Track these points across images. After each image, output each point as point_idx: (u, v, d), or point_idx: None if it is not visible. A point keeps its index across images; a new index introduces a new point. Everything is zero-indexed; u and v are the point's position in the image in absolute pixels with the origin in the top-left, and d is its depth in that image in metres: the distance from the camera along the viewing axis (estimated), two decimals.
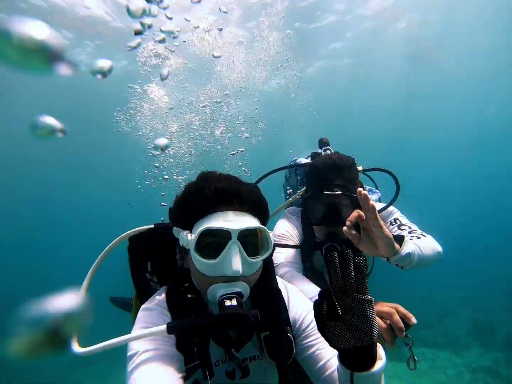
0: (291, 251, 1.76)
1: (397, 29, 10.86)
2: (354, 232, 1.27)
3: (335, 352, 1.00)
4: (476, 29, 10.85)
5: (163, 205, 5.02)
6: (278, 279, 1.24)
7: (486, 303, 8.28)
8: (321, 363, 1.03)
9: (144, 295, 1.23)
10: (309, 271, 1.82)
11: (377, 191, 2.20)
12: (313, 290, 1.47)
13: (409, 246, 1.33)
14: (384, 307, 1.18)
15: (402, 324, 1.11)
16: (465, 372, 5.56)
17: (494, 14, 10.15)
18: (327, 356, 1.03)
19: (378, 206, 1.87)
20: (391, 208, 1.84)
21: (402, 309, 1.16)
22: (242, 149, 6.87)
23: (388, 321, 1.16)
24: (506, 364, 5.60)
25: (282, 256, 1.71)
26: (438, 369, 5.66)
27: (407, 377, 5.24)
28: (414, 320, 1.12)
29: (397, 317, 1.12)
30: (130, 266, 1.26)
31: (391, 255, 1.28)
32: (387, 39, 11.30)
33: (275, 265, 1.58)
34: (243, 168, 7.29)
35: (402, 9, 9.87)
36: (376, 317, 1.15)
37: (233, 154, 6.71)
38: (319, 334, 1.04)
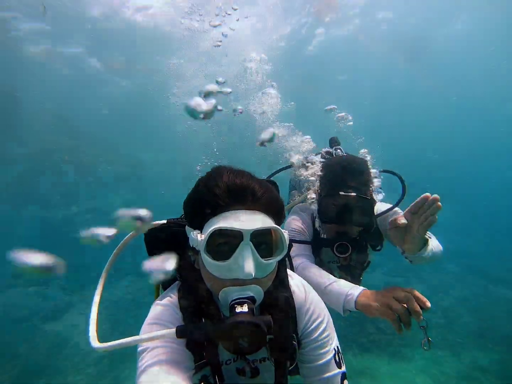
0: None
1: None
2: (405, 221, 1.33)
3: (338, 371, 1.08)
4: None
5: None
6: (297, 279, 1.22)
7: (487, 305, 8.29)
8: (322, 376, 1.07)
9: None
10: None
11: (381, 191, 2.25)
12: (328, 278, 1.54)
13: (429, 247, 1.48)
14: (401, 292, 1.27)
15: (419, 309, 1.18)
16: (464, 372, 5.59)
17: None
18: (328, 372, 1.07)
19: (384, 206, 1.92)
20: (395, 208, 1.90)
21: (417, 294, 1.24)
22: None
23: (405, 305, 1.24)
24: (506, 365, 5.62)
25: (295, 248, 1.79)
26: (437, 368, 5.69)
27: (405, 375, 5.28)
28: (428, 304, 1.19)
29: (414, 302, 1.20)
30: (148, 254, 1.27)
31: (415, 252, 1.43)
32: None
33: None
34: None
35: None
36: (395, 300, 1.24)
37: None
38: (328, 348, 1.10)
